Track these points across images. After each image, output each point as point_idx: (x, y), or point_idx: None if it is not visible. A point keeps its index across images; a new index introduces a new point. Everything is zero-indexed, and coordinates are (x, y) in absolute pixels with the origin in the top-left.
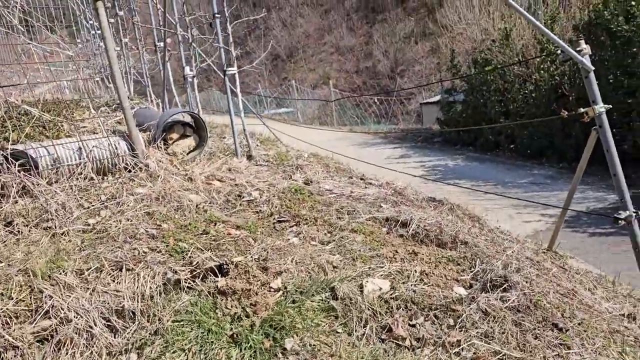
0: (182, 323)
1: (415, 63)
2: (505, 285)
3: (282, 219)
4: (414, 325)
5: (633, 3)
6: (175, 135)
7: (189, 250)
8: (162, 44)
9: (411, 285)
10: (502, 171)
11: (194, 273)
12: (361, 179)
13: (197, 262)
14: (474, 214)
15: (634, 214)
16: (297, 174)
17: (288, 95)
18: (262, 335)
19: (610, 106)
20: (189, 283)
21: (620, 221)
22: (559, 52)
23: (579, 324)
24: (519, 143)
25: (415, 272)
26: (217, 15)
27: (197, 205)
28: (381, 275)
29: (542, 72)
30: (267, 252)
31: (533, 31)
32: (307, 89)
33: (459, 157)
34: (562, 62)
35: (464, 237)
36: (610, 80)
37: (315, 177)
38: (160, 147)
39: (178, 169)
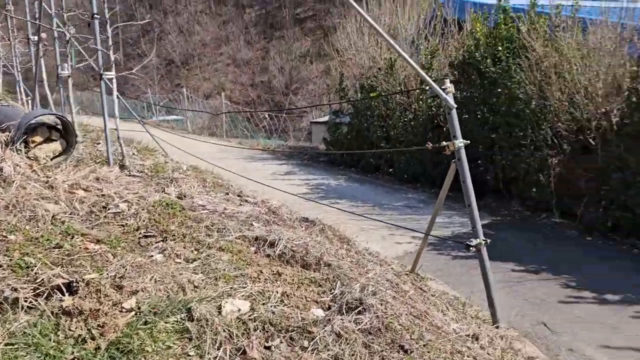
0: (16, 346)
1: (309, 82)
2: (360, 308)
3: (149, 234)
4: (269, 347)
5: (500, 48)
6: (38, 139)
7: (35, 266)
8: (36, 37)
9: (271, 306)
10: (380, 193)
11: (38, 291)
12: (238, 195)
13: (43, 279)
14: (344, 236)
15: (483, 242)
16: (171, 187)
17: (178, 103)
18: (107, 359)
19: (468, 142)
20: (31, 302)
21: (471, 248)
22: (427, 87)
23: (424, 345)
24: (397, 167)
25: (277, 293)
26: (96, 15)
27: (53, 216)
28: (242, 295)
29: (420, 102)
30: (126, 270)
31: (415, 63)
32: (199, 98)
33: (342, 177)
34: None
35: (329, 258)
36: (478, 116)
37: (189, 192)
38: (20, 150)
39: (38, 175)
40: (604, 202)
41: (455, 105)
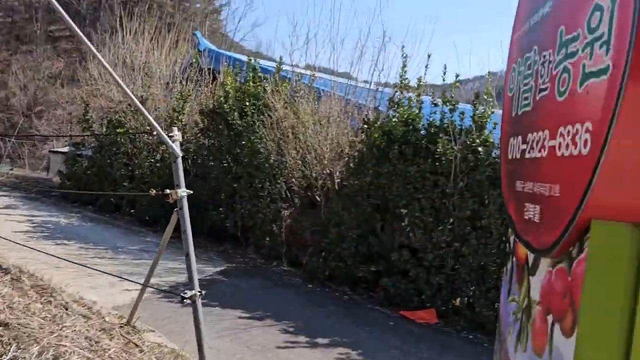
0: None
1: (57, 106)
2: None
3: None
4: None
5: (247, 103)
6: None
7: None
8: None
9: None
10: (116, 235)
11: None
12: None
13: None
14: (47, 285)
15: (198, 294)
16: None
17: None
18: None
19: (191, 192)
20: None
21: (185, 300)
22: (154, 133)
23: None
24: (138, 209)
25: None
26: None
27: None
28: None
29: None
30: None
31: (168, 105)
32: None
33: (76, 215)
34: (158, 143)
35: (9, 316)
36: (224, 165)
37: None
38: None
39: None
40: (324, 253)
41: (181, 154)
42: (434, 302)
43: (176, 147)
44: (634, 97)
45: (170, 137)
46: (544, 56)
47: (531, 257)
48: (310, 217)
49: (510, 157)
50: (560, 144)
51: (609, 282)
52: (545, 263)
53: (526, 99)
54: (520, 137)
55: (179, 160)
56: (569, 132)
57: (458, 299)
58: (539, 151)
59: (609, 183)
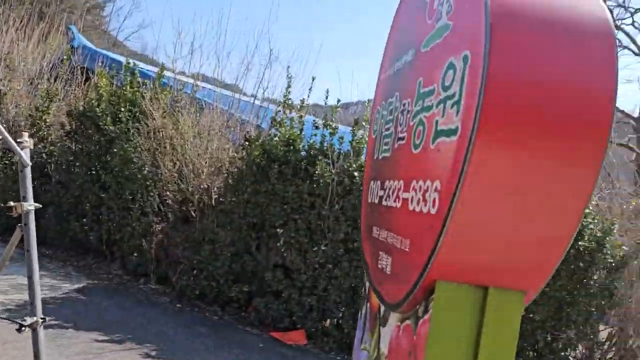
0: None
1: None
2: None
3: None
4: None
5: (122, 109)
6: None
7: None
8: None
9: None
10: None
11: None
12: None
13: None
14: None
15: (41, 320)
16: None
17: None
18: None
19: (40, 205)
20: None
21: (24, 328)
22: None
23: None
24: None
25: None
26: None
27: None
28: None
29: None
30: None
31: (31, 102)
32: None
33: None
34: (4, 150)
35: None
36: (91, 172)
37: None
38: None
39: None
40: (196, 271)
41: (30, 163)
42: (304, 323)
43: (25, 155)
44: (480, 163)
45: (19, 143)
46: (404, 104)
47: (383, 307)
48: (184, 233)
49: (369, 200)
50: (412, 197)
51: (450, 344)
52: (394, 317)
53: (386, 144)
54: (379, 182)
55: (28, 170)
56: (420, 187)
57: (328, 320)
58: (394, 201)
59: (454, 245)
